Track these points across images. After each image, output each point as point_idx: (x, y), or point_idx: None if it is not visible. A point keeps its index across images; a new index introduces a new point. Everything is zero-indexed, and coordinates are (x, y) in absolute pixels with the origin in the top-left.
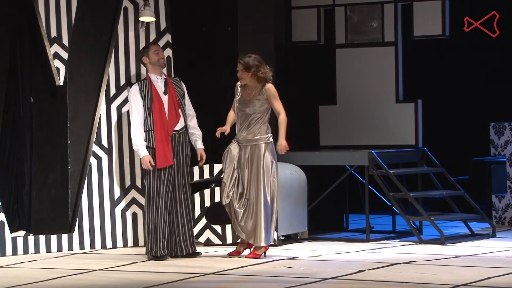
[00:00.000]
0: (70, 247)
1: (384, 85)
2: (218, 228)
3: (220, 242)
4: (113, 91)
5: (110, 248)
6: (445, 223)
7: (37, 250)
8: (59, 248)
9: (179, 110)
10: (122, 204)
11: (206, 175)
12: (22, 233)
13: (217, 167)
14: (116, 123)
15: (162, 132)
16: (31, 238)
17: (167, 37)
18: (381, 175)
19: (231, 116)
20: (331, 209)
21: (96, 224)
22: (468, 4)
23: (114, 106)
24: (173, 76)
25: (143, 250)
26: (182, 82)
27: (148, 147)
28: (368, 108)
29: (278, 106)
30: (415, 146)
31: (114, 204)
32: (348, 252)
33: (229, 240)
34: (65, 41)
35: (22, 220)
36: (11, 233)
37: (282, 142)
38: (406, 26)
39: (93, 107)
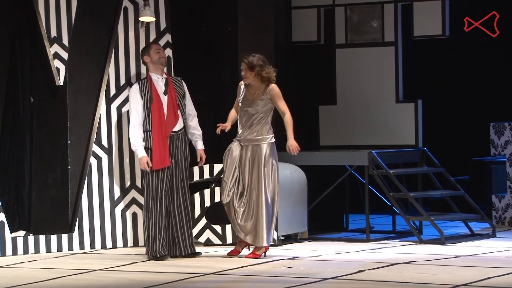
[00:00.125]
0: (70, 247)
1: (384, 85)
2: (218, 228)
3: (220, 242)
4: (113, 91)
5: (110, 248)
6: (445, 223)
7: (37, 250)
8: (59, 248)
9: (178, 111)
10: (122, 204)
11: (206, 175)
12: (22, 233)
13: (217, 167)
14: (116, 123)
15: (160, 133)
16: (31, 238)
17: (167, 37)
18: (381, 175)
19: (233, 114)
20: (331, 209)
21: (96, 224)
22: (468, 4)
23: (114, 106)
24: (173, 75)
25: (143, 250)
26: (183, 82)
27: (146, 148)
28: (368, 108)
29: (283, 106)
30: (415, 146)
31: (114, 204)
32: (348, 252)
33: (229, 240)
34: (65, 41)
35: (22, 220)
36: (11, 233)
37: (293, 142)
38: (406, 26)
39: (93, 107)
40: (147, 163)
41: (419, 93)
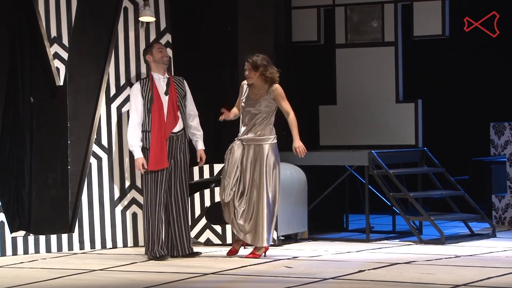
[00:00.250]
0: (70, 247)
1: (384, 85)
2: (218, 228)
3: (220, 242)
4: (113, 91)
5: (110, 248)
6: (445, 223)
7: (37, 250)
8: (59, 248)
9: (178, 113)
10: (122, 204)
11: (206, 175)
12: (22, 233)
13: (217, 167)
14: (116, 123)
15: (159, 134)
16: (31, 238)
17: (167, 37)
18: (381, 175)
19: (235, 110)
20: (331, 209)
21: (96, 224)
22: (468, 4)
23: (114, 106)
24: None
25: (143, 250)
26: (185, 82)
27: (144, 148)
28: (368, 108)
29: (286, 106)
30: (415, 146)
31: (114, 204)
32: (348, 252)
33: (229, 240)
34: (65, 41)
35: (22, 220)
36: (11, 233)
37: (300, 144)
38: (406, 26)
39: (93, 107)
40: (143, 164)
41: (419, 93)
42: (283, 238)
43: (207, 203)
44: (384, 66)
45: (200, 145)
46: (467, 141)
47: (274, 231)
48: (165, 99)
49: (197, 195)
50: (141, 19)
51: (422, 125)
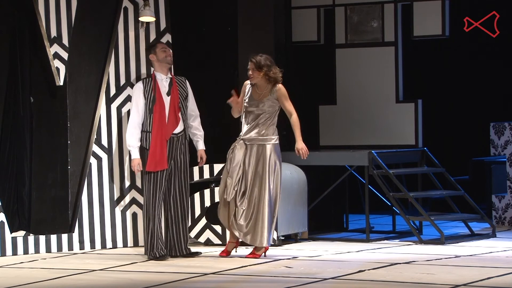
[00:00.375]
0: (70, 247)
1: (384, 85)
2: (218, 228)
3: (220, 242)
4: (113, 91)
5: (110, 248)
6: (445, 223)
7: (37, 250)
8: (59, 248)
9: (179, 114)
10: (122, 204)
11: (206, 175)
12: (22, 233)
13: (217, 167)
14: (116, 123)
15: (159, 135)
16: (31, 238)
17: (167, 37)
18: (381, 175)
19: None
20: (331, 209)
21: (96, 224)
22: (468, 4)
23: (114, 106)
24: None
25: (143, 250)
26: (187, 82)
27: (144, 148)
28: (368, 108)
29: (290, 107)
30: (415, 146)
31: (114, 204)
32: (348, 252)
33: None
34: (65, 41)
35: (22, 220)
36: (11, 233)
37: (303, 145)
38: (406, 26)
39: (93, 107)
40: (139, 165)
41: (419, 93)
42: (283, 238)
43: (207, 203)
44: (384, 66)
45: (200, 145)
46: (467, 141)
47: (274, 231)
48: (167, 100)
49: (197, 195)
50: (141, 19)
51: (422, 125)
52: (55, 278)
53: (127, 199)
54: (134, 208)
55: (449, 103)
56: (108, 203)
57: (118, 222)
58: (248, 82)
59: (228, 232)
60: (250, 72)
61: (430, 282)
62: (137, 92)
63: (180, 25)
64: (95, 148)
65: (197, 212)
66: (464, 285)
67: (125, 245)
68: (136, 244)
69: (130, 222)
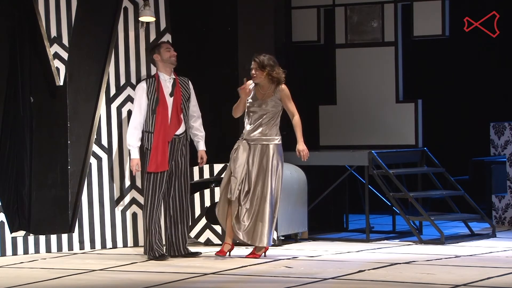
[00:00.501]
0: (70, 247)
1: (384, 85)
2: (218, 228)
3: (220, 242)
4: (113, 91)
5: (110, 248)
6: (445, 223)
7: (37, 250)
8: (59, 248)
9: (181, 115)
10: (122, 204)
11: (206, 175)
12: (22, 233)
13: (217, 167)
14: (116, 123)
15: (161, 136)
16: (31, 238)
17: (167, 37)
18: (381, 175)
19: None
20: (331, 209)
21: (96, 224)
22: (468, 4)
23: (114, 106)
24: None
25: (143, 250)
26: (190, 83)
27: (146, 149)
28: (368, 108)
29: (292, 107)
30: (415, 146)
31: (114, 204)
32: (348, 252)
33: None
34: (65, 41)
35: (22, 220)
36: (11, 233)
37: (304, 147)
38: (406, 26)
39: (93, 107)
40: (137, 165)
41: (419, 93)
42: (283, 238)
43: (207, 203)
44: (384, 66)
45: (201, 146)
46: (467, 141)
47: (274, 231)
48: (169, 101)
49: (197, 195)
50: (141, 19)
51: (422, 125)
52: (55, 278)
53: (127, 199)
54: (134, 208)
55: (449, 103)
56: (108, 203)
57: (118, 222)
58: (250, 82)
59: (227, 232)
60: (253, 72)
61: (430, 282)
62: (140, 91)
63: (180, 25)
64: (95, 148)
65: (197, 212)
66: (464, 285)
67: (125, 245)
68: (136, 244)
69: (130, 222)
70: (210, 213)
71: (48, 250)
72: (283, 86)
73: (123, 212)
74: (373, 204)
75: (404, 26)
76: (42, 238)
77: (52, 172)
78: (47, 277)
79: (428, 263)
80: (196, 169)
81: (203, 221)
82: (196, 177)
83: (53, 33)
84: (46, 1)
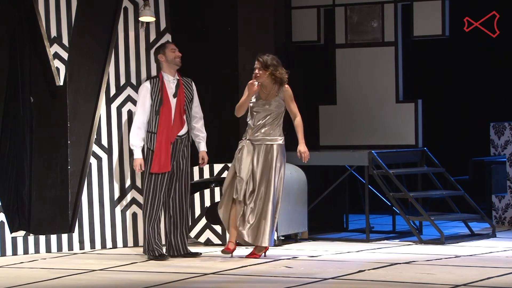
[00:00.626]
0: (70, 247)
1: (384, 85)
2: (218, 228)
3: (220, 242)
4: (113, 91)
5: (110, 248)
6: (445, 223)
7: (37, 250)
8: (59, 248)
9: (184, 116)
10: (122, 204)
11: (206, 175)
12: (22, 233)
13: (217, 167)
14: (116, 123)
15: (164, 137)
16: (31, 238)
17: (167, 37)
18: (381, 175)
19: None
20: (331, 209)
21: (96, 224)
22: (468, 4)
23: (114, 106)
24: None
25: (142, 249)
26: (193, 84)
27: (148, 149)
28: (368, 108)
29: (295, 108)
30: (415, 146)
31: (114, 204)
32: (348, 252)
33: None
34: (65, 41)
35: (22, 220)
36: (11, 233)
37: (305, 149)
38: (406, 26)
39: (93, 107)
40: (141, 165)
41: (419, 93)
42: (283, 238)
43: (207, 203)
44: (384, 66)
45: (202, 147)
46: (467, 141)
47: (275, 231)
48: (173, 102)
49: (197, 195)
50: (141, 19)
51: (422, 125)
52: (55, 278)
53: (127, 199)
54: (134, 208)
55: (449, 103)
56: (108, 203)
57: (118, 222)
58: (251, 82)
59: (231, 231)
60: (256, 71)
61: (430, 282)
62: (144, 91)
63: (180, 25)
64: (95, 148)
65: (197, 212)
66: (464, 285)
67: (125, 245)
68: (136, 244)
69: (130, 222)
70: (210, 213)
71: (48, 250)
72: (287, 87)
73: (123, 212)
74: (373, 204)
75: (404, 26)
76: (42, 238)
77: (52, 172)
78: (47, 277)
79: (428, 263)
80: (196, 169)
81: (203, 221)
82: (196, 177)
83: (53, 33)
84: (46, 1)
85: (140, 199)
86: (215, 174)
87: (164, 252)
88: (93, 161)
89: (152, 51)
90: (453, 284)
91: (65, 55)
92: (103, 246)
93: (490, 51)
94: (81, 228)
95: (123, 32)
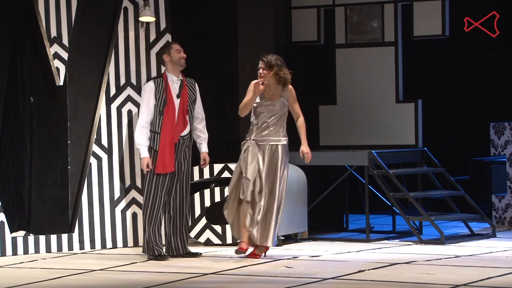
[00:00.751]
0: (70, 247)
1: (384, 85)
2: (218, 228)
3: (220, 242)
4: (113, 91)
5: (110, 248)
6: (445, 223)
7: (37, 250)
8: (59, 248)
9: (187, 117)
10: (122, 204)
11: (206, 175)
12: (22, 233)
13: (217, 167)
14: (116, 123)
15: (168, 137)
16: (31, 238)
17: (167, 37)
18: (381, 175)
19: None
20: (331, 209)
21: (96, 224)
22: (468, 4)
23: (114, 106)
24: None
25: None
26: (196, 85)
27: (151, 149)
28: (368, 108)
29: (298, 109)
30: (415, 146)
31: (114, 204)
32: (348, 252)
33: (229, 240)
34: (65, 41)
35: (22, 220)
36: (11, 233)
37: (308, 150)
38: (406, 26)
39: (93, 107)
40: (148, 164)
41: (419, 93)
42: (283, 238)
43: (207, 203)
44: (384, 66)
45: (204, 148)
46: (467, 141)
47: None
48: (176, 102)
49: (197, 195)
50: (141, 19)
51: (422, 125)
52: (55, 278)
53: (127, 199)
54: (134, 208)
55: (449, 103)
56: (108, 203)
57: (118, 222)
58: (254, 82)
59: (242, 231)
60: (260, 71)
61: (430, 282)
62: (149, 91)
63: (180, 25)
64: (95, 148)
65: (197, 212)
66: (464, 285)
67: (125, 245)
68: (136, 244)
69: (130, 222)
70: (210, 213)
71: (48, 250)
72: (291, 87)
73: (123, 212)
74: (373, 204)
75: (404, 26)
76: (42, 238)
77: (52, 172)
78: (47, 277)
79: (428, 263)
80: (196, 169)
81: (203, 221)
82: (196, 177)
83: (53, 33)
84: (46, 1)
85: (140, 199)
86: (215, 174)
87: (164, 252)
88: (93, 161)
89: (152, 51)
90: (453, 284)
91: (65, 55)
92: (103, 246)
93: (490, 51)
94: (81, 228)
95: (123, 32)
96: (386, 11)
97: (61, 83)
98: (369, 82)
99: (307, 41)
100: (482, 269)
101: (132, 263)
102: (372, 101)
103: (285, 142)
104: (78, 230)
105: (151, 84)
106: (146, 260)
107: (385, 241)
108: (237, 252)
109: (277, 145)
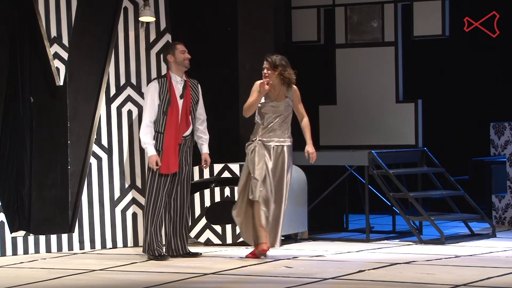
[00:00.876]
0: (70, 247)
1: (384, 85)
2: (218, 228)
3: (220, 242)
4: (113, 91)
5: (110, 248)
6: (445, 223)
7: (37, 250)
8: (59, 248)
9: (190, 117)
10: (122, 204)
11: (206, 175)
12: (22, 233)
13: (217, 167)
14: (116, 123)
15: (172, 137)
16: (31, 238)
17: (167, 37)
18: (381, 175)
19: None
20: (331, 209)
21: (96, 224)
22: (468, 4)
23: (114, 106)
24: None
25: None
26: (199, 86)
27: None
28: (368, 108)
29: (302, 109)
30: (415, 146)
31: (114, 204)
32: (348, 252)
33: (229, 240)
34: (65, 41)
35: (22, 220)
36: (11, 233)
37: (314, 150)
38: (406, 26)
39: (93, 107)
40: (157, 162)
41: (419, 93)
42: (283, 238)
43: (207, 203)
44: (384, 66)
45: (205, 149)
46: (467, 141)
47: None
48: (180, 103)
49: (197, 195)
50: (141, 19)
51: (422, 125)
52: (55, 278)
53: (127, 199)
54: (134, 208)
55: (449, 103)
56: (108, 203)
57: (118, 222)
58: (258, 82)
59: (260, 231)
60: (264, 71)
61: (430, 282)
62: (152, 91)
63: (180, 25)
64: (95, 148)
65: (197, 212)
66: (464, 285)
67: (125, 245)
68: (136, 244)
69: (130, 222)
70: (210, 213)
71: (48, 250)
72: (295, 87)
73: (123, 212)
74: (373, 204)
75: (404, 26)
76: (42, 238)
77: (52, 172)
78: (47, 277)
79: (428, 263)
80: (196, 169)
81: (203, 221)
82: (196, 177)
83: (53, 33)
84: (46, 1)
85: (140, 199)
86: (215, 174)
87: (164, 252)
88: (93, 161)
89: (152, 51)
90: (453, 284)
91: (65, 55)
92: (103, 246)
93: (490, 51)
94: (81, 228)
95: (123, 32)
96: (386, 11)
97: (61, 83)
98: (369, 82)
99: (307, 41)
100: (482, 269)
101: (132, 263)
102: (372, 101)
103: (289, 143)
104: (78, 230)
105: (155, 83)
106: (146, 260)
107: (385, 241)
108: (259, 254)
109: (282, 146)
